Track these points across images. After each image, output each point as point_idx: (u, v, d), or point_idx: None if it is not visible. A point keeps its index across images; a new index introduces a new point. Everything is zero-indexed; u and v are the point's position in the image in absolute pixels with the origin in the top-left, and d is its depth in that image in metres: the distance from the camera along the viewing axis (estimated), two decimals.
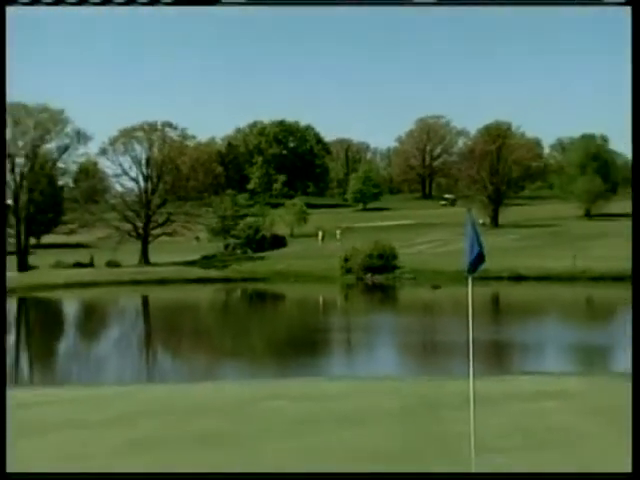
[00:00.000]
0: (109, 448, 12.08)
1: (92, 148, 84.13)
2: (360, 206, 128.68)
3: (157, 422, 14.35)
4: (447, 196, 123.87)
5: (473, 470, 9.56)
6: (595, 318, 44.03)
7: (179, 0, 8.38)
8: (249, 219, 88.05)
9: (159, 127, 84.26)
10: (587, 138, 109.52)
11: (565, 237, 78.52)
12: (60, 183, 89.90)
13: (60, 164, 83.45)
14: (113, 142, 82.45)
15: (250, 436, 12.76)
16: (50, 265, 74.59)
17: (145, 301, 60.02)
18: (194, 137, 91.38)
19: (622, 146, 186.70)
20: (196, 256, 78.68)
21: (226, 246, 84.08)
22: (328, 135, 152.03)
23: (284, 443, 12.06)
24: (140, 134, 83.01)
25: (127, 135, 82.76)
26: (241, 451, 11.66)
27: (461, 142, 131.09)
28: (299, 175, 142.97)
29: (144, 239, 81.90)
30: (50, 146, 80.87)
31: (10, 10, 8.59)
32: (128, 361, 31.84)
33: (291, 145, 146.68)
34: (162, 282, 66.87)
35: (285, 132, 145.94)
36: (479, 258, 9.63)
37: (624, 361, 24.94)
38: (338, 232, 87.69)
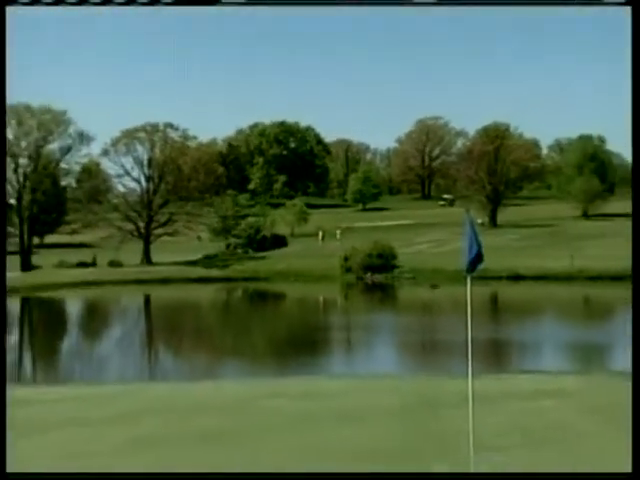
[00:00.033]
0: (112, 446, 12.13)
1: (94, 149, 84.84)
2: (360, 206, 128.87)
3: (159, 420, 14.39)
4: (446, 196, 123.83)
5: (472, 467, 9.58)
6: (592, 317, 44.11)
7: (179, 0, 8.39)
8: (250, 219, 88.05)
9: (161, 128, 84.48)
10: (584, 139, 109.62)
11: (563, 237, 78.63)
12: (63, 183, 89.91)
13: (63, 164, 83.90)
14: (115, 143, 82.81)
15: (251, 434, 12.79)
16: (53, 265, 74.86)
17: (147, 300, 60.14)
18: (195, 138, 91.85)
19: (619, 147, 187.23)
20: (198, 256, 78.84)
21: (227, 246, 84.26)
22: (328, 136, 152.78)
23: (284, 441, 12.09)
24: (142, 135, 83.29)
25: (129, 136, 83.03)
26: (242, 449, 11.69)
27: (460, 143, 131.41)
28: (299, 175, 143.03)
29: (146, 239, 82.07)
30: (53, 147, 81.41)
31: (10, 10, 8.56)
32: (130, 360, 31.82)
33: (291, 146, 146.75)
34: (164, 281, 67.10)
35: (285, 133, 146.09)
36: (478, 258, 9.68)
37: (621, 360, 25.19)
38: (338, 232, 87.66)
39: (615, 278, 56.24)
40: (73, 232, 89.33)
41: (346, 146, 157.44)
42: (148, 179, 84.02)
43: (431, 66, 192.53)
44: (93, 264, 75.44)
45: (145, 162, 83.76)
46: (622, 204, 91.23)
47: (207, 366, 28.58)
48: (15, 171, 78.18)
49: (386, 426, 13.00)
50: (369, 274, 64.97)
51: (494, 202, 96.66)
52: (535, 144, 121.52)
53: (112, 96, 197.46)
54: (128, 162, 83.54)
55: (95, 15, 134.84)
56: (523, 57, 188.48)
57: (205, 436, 12.57)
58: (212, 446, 11.91)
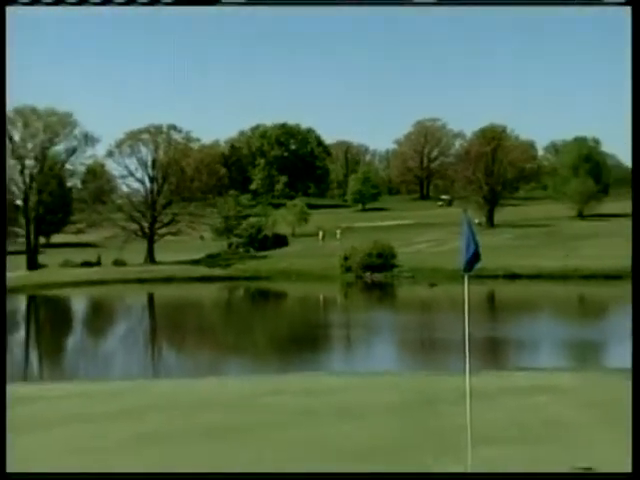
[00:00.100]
0: (117, 441, 12.20)
1: (99, 150, 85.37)
2: (359, 206, 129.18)
3: (163, 416, 14.45)
4: (444, 197, 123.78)
5: (469, 462, 9.60)
6: (587, 315, 44.38)
7: (179, 0, 8.39)
8: (252, 219, 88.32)
9: (164, 130, 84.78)
10: (580, 140, 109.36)
11: (558, 237, 78.98)
12: (68, 184, 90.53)
13: (68, 166, 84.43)
14: (120, 144, 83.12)
15: (254, 430, 12.82)
16: (59, 264, 75.12)
17: (151, 299, 60.54)
18: (198, 140, 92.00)
19: (614, 148, 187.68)
20: (200, 255, 78.90)
21: (229, 245, 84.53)
22: (328, 137, 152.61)
23: (287, 436, 12.17)
24: (146, 137, 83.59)
25: (133, 137, 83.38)
26: (245, 444, 11.76)
27: (458, 144, 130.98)
28: (300, 176, 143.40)
29: (150, 238, 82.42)
30: (59, 148, 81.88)
31: (10, 10, 8.54)
32: (134, 357, 31.98)
33: (292, 147, 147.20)
34: (167, 280, 67.30)
35: (286, 135, 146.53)
36: (475, 257, 9.75)
37: (616, 357, 26.01)
38: (338, 232, 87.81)
39: (609, 277, 57.04)
40: (78, 232, 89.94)
41: (346, 147, 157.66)
42: (152, 180, 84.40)
43: (430, 67, 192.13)
44: (98, 263, 75.86)
45: (149, 163, 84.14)
46: (616, 205, 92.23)
47: (210, 363, 28.59)
48: (22, 172, 78.67)
49: (386, 422, 13.14)
50: (369, 273, 65.11)
51: (491, 202, 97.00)
52: (531, 146, 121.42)
53: (112, 96, 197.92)
54: (132, 163, 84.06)
55: (95, 15, 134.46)
56: (523, 57, 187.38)
57: (209, 432, 12.63)
58: (216, 442, 11.97)
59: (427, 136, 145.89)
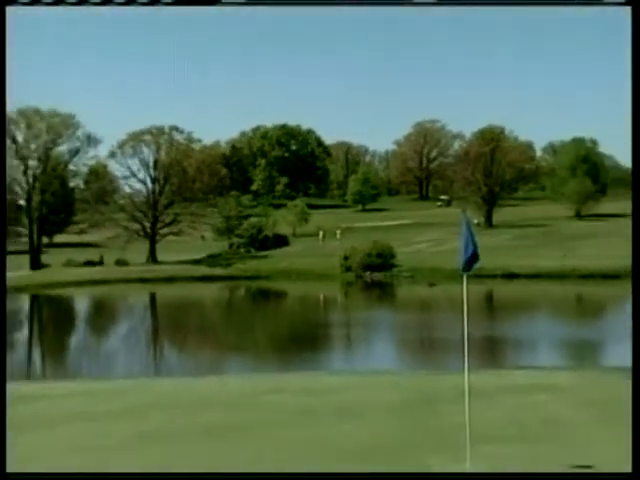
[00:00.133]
0: (119, 440, 12.23)
1: (101, 151, 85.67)
2: (359, 207, 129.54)
3: (165, 415, 14.46)
4: (443, 197, 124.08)
5: (468, 460, 9.61)
6: (585, 314, 44.48)
7: (179, 0, 8.39)
8: (253, 219, 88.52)
9: (166, 131, 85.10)
10: (577, 141, 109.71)
11: (556, 237, 79.31)
12: (71, 185, 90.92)
13: (71, 166, 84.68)
14: (122, 145, 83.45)
15: (254, 428, 12.82)
16: (62, 263, 75.32)
17: (153, 298, 60.53)
18: (200, 140, 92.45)
19: (611, 149, 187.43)
20: (202, 255, 79.14)
21: (230, 245, 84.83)
22: (328, 138, 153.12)
23: (287, 435, 12.19)
24: (148, 137, 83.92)
25: (135, 138, 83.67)
26: (246, 443, 11.76)
27: (457, 145, 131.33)
28: (301, 177, 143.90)
29: (152, 238, 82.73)
30: (62, 149, 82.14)
31: (10, 10, 8.53)
32: (136, 356, 31.96)
33: (293, 148, 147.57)
34: (169, 280, 67.56)
35: (287, 135, 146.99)
36: (473, 257, 9.78)
37: (613, 356, 26.21)
38: (338, 232, 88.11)
39: (607, 277, 57.35)
40: (81, 232, 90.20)
41: (346, 148, 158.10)
42: (154, 180, 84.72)
43: (430, 67, 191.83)
44: (100, 263, 76.11)
45: (151, 164, 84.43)
46: (614, 205, 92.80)
47: (211, 362, 28.64)
48: (25, 173, 78.97)
49: (386, 421, 13.17)
50: (368, 273, 65.28)
51: (490, 203, 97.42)
52: (529, 146, 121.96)
53: (112, 97, 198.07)
54: (134, 164, 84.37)
55: (95, 15, 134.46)
56: (523, 57, 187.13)
57: (210, 430, 12.65)
58: (216, 440, 12.00)
59: (426, 137, 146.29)
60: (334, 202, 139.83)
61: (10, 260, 57.61)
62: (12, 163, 76.39)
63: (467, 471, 9.40)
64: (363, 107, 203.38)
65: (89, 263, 75.95)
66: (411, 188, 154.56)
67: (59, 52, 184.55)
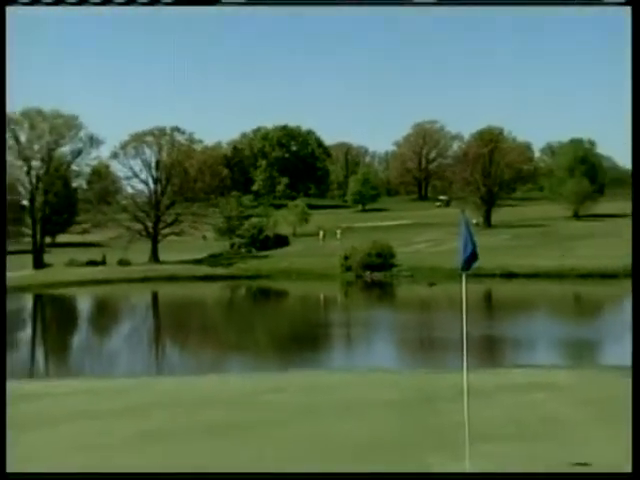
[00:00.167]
0: (121, 438, 12.33)
1: (104, 152, 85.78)
2: (359, 207, 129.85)
3: (167, 413, 14.54)
4: (442, 197, 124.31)
5: (467, 458, 9.64)
6: (583, 314, 44.65)
7: (179, 0, 8.38)
8: (253, 219, 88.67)
9: (168, 132, 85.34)
10: (575, 142, 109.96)
11: (554, 237, 79.58)
12: (74, 185, 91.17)
13: (74, 167, 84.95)
14: (124, 146, 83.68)
15: (256, 427, 12.91)
16: (64, 263, 75.40)
17: (155, 297, 60.87)
18: (201, 141, 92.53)
19: (609, 150, 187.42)
20: (203, 254, 79.27)
21: (232, 245, 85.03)
22: (328, 139, 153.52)
23: (288, 433, 12.27)
24: (150, 138, 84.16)
25: (137, 139, 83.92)
26: (247, 441, 11.87)
27: (455, 146, 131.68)
28: (301, 177, 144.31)
29: (154, 238, 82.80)
30: (64, 150, 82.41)
31: (10, 10, 8.53)
32: (138, 355, 32.13)
33: (293, 149, 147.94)
34: (171, 279, 67.85)
35: (287, 136, 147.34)
36: (472, 256, 9.81)
37: (611, 355, 26.58)
38: (338, 232, 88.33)
39: (605, 276, 57.67)
40: (83, 232, 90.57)
41: (346, 149, 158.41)
42: (156, 181, 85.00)
43: (430, 67, 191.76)
44: (103, 263, 76.27)
45: (153, 164, 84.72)
46: (612, 205, 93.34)
47: (213, 361, 28.75)
48: (28, 173, 79.28)
49: (386, 419, 13.26)
50: (368, 272, 65.50)
51: (488, 203, 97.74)
52: (528, 147, 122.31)
53: (113, 97, 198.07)
54: (137, 165, 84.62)
55: (95, 15, 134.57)
56: (523, 57, 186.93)
57: (211, 429, 12.72)
58: (218, 439, 12.05)
59: (425, 138, 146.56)
60: (334, 202, 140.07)
61: (13, 260, 57.97)
62: (16, 163, 76.81)
63: (466, 469, 9.45)
64: (363, 107, 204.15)
65: (92, 263, 76.03)
66: (410, 188, 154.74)
67: (59, 52, 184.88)
